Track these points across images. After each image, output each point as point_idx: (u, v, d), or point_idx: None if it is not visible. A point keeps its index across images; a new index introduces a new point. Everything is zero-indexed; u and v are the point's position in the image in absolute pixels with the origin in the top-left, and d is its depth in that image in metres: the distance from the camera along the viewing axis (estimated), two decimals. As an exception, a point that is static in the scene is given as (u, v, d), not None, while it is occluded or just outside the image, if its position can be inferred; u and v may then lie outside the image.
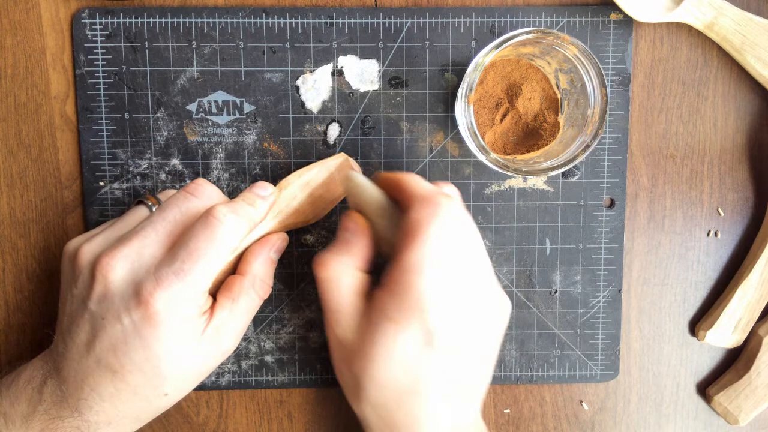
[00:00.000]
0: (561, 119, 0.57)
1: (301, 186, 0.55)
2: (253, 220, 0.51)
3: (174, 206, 0.50)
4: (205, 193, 0.51)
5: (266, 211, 0.53)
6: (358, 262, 0.51)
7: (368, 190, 0.52)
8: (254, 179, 0.59)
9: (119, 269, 0.48)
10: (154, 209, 0.53)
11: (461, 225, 0.49)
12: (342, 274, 0.51)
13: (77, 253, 0.50)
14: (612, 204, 0.60)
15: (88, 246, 0.50)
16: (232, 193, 0.59)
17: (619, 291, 0.61)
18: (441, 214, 0.48)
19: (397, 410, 0.49)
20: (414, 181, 0.51)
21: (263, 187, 0.53)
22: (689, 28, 0.60)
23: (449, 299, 0.48)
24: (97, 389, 0.49)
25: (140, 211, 0.53)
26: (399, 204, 0.51)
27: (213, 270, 0.49)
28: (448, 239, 0.48)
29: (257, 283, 0.52)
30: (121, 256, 0.48)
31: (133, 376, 0.48)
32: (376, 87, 0.59)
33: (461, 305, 0.48)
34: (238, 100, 0.58)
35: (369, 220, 0.52)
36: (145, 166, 0.59)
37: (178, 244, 0.48)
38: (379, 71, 0.59)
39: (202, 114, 0.58)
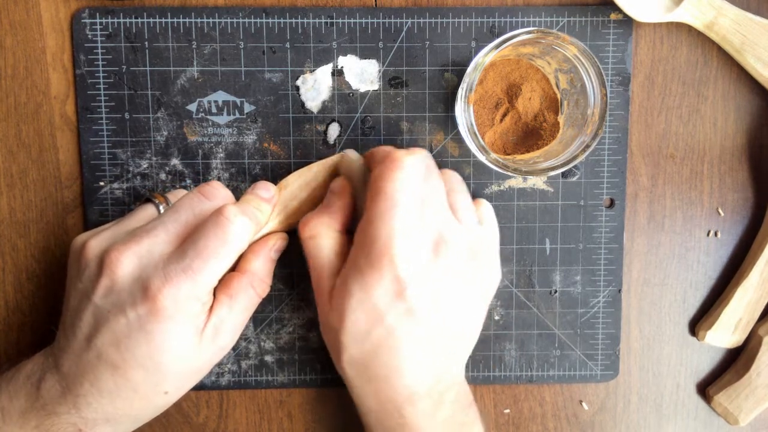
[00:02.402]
0: (561, 119, 0.57)
1: (301, 186, 0.55)
2: (260, 223, 0.52)
3: (187, 207, 0.51)
4: (218, 195, 0.52)
5: (270, 212, 0.53)
6: (338, 222, 0.53)
7: (352, 158, 0.55)
8: (254, 179, 0.59)
9: (127, 264, 0.48)
10: (161, 207, 0.54)
11: (421, 175, 0.50)
12: (322, 233, 0.52)
13: (84, 246, 0.50)
14: (612, 204, 0.60)
15: (95, 240, 0.50)
16: (233, 193, 0.59)
17: (619, 291, 0.61)
18: (400, 167, 0.49)
19: (375, 362, 0.49)
20: (381, 147, 0.54)
21: (266, 188, 0.53)
22: (689, 28, 0.60)
23: (417, 248, 0.48)
24: (97, 384, 0.49)
25: (148, 209, 0.54)
26: None
27: (221, 269, 0.49)
28: (407, 190, 0.49)
29: (256, 282, 0.53)
30: (130, 251, 0.48)
31: (134, 372, 0.48)
32: (376, 87, 0.59)
33: (433, 255, 0.49)
34: (238, 100, 0.59)
35: (353, 187, 0.54)
36: (145, 166, 0.59)
37: (187, 242, 0.49)
38: (379, 71, 0.59)
39: (202, 114, 0.58)
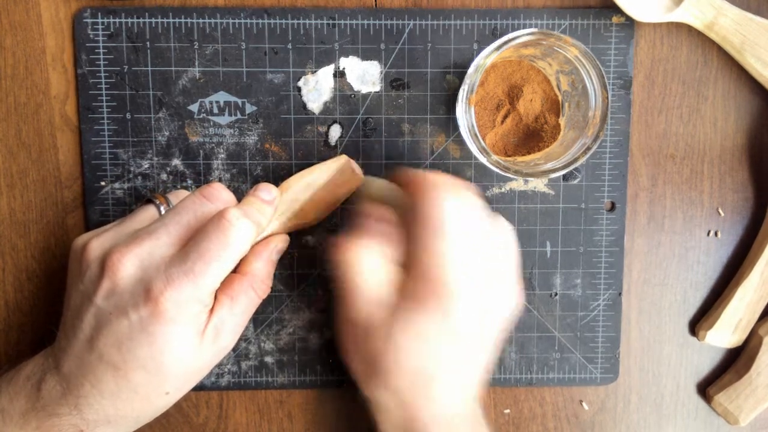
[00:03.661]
0: (562, 121, 0.57)
1: (303, 188, 0.55)
2: (262, 226, 0.52)
3: (189, 209, 0.50)
4: (220, 198, 0.51)
5: (272, 215, 0.53)
6: (386, 250, 0.52)
7: (379, 182, 0.54)
8: (255, 180, 0.59)
9: (129, 266, 0.48)
10: (162, 208, 0.53)
11: (478, 206, 0.51)
12: (367, 259, 0.51)
13: (85, 248, 0.50)
14: (613, 207, 0.60)
15: (96, 241, 0.50)
16: (234, 194, 0.59)
17: (620, 294, 0.61)
18: (456, 197, 0.49)
19: (414, 391, 0.50)
20: (416, 172, 0.52)
21: (267, 191, 0.53)
22: (689, 28, 0.60)
23: (470, 284, 0.49)
24: (98, 386, 0.49)
25: (149, 210, 0.53)
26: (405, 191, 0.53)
27: (223, 272, 0.49)
28: (464, 224, 0.49)
29: (257, 283, 0.53)
30: (132, 254, 0.48)
31: (135, 373, 0.48)
32: (377, 88, 0.59)
33: (479, 290, 0.50)
34: (239, 101, 0.58)
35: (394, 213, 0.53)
36: (146, 166, 0.59)
37: (189, 245, 0.48)
38: (381, 73, 0.59)
39: (204, 114, 0.58)
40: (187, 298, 0.48)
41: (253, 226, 0.50)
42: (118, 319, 0.48)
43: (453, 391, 0.51)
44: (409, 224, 0.50)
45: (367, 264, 0.51)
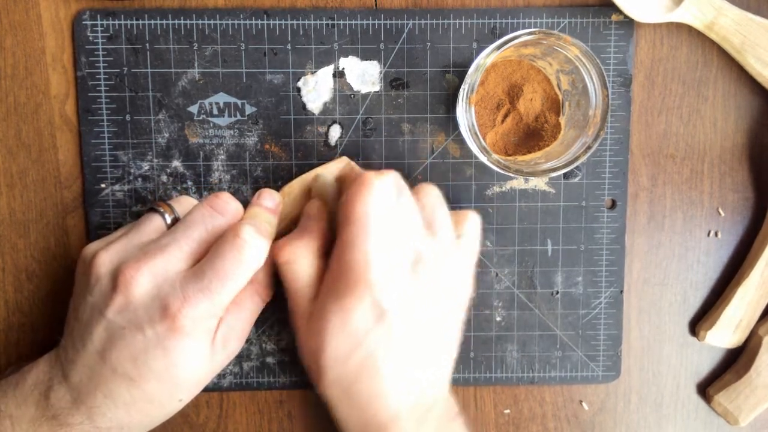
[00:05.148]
0: (562, 120, 0.57)
1: (304, 192, 0.55)
2: (271, 237, 0.52)
3: (199, 223, 0.51)
4: (229, 210, 0.52)
5: (276, 222, 0.54)
6: (314, 246, 0.52)
7: (325, 180, 0.55)
8: (256, 181, 0.59)
9: (143, 282, 0.48)
10: (167, 217, 0.53)
11: (391, 196, 0.50)
12: (299, 257, 0.52)
13: (94, 260, 0.50)
14: (613, 205, 0.60)
15: (106, 254, 0.50)
16: (234, 195, 0.59)
17: (621, 292, 0.61)
18: (369, 189, 0.49)
19: (356, 386, 0.49)
20: (353, 170, 0.54)
21: (271, 198, 0.54)
22: (689, 28, 0.60)
23: (393, 270, 0.49)
24: (111, 396, 0.49)
25: (155, 220, 0.53)
26: None
27: (237, 288, 0.50)
28: (378, 212, 0.49)
29: (261, 289, 0.54)
30: (145, 269, 0.48)
31: (150, 384, 0.49)
32: (377, 88, 0.59)
33: (409, 275, 0.49)
34: (239, 102, 0.58)
35: (328, 209, 0.54)
36: (146, 168, 0.59)
37: (205, 263, 0.49)
38: (381, 73, 0.59)
39: (204, 116, 0.58)
40: (203, 315, 0.49)
41: (267, 242, 0.51)
42: (132, 334, 0.48)
43: (405, 384, 0.50)
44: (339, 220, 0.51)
45: (300, 264, 0.52)
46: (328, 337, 0.49)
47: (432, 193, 0.53)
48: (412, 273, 0.49)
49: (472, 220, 0.55)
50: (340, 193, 0.54)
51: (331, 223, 0.54)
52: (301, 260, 0.52)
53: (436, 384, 0.52)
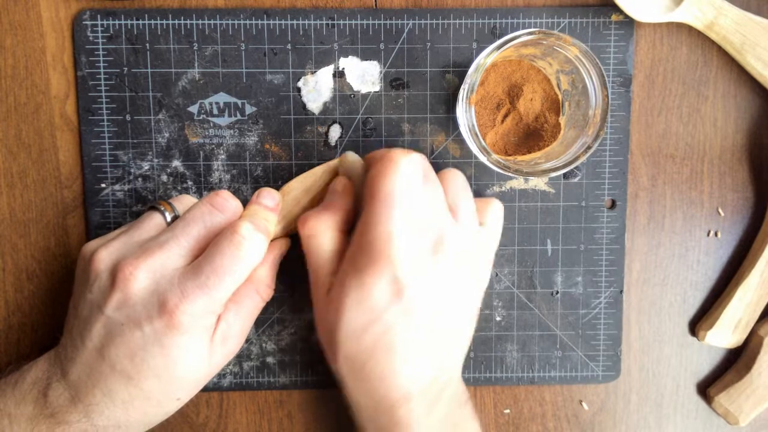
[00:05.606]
0: (562, 120, 0.57)
1: (304, 191, 0.55)
2: (270, 235, 0.53)
3: (198, 220, 0.51)
4: (229, 208, 0.52)
5: (275, 221, 0.54)
6: (338, 221, 0.53)
7: (353, 159, 0.55)
8: (256, 181, 0.59)
9: (142, 279, 0.48)
10: (167, 215, 0.53)
11: (418, 176, 0.50)
12: (322, 232, 0.52)
13: (93, 257, 0.50)
14: (613, 205, 0.60)
15: (105, 252, 0.50)
16: (234, 194, 0.59)
17: (621, 292, 0.61)
18: (397, 167, 0.49)
19: (370, 361, 0.49)
20: (381, 149, 0.54)
21: (270, 197, 0.54)
22: (689, 28, 0.60)
23: (414, 249, 0.49)
24: (110, 395, 0.49)
25: (155, 218, 0.53)
26: None
27: (235, 285, 0.50)
28: (405, 190, 0.49)
29: (261, 288, 0.53)
30: (144, 266, 0.48)
31: (148, 382, 0.49)
32: (377, 88, 0.59)
33: (430, 256, 0.49)
34: (239, 102, 0.58)
35: (354, 186, 0.54)
36: (146, 167, 0.59)
37: (203, 259, 0.49)
38: (380, 72, 0.59)
39: (204, 116, 0.58)
40: (202, 311, 0.49)
41: (266, 239, 0.51)
42: (130, 331, 0.48)
43: (419, 364, 0.50)
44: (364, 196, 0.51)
45: (323, 238, 0.52)
46: (346, 310, 0.49)
47: (458, 179, 0.54)
48: (433, 254, 0.49)
49: (496, 208, 0.55)
50: (367, 172, 0.54)
51: (356, 200, 0.54)
52: (324, 234, 0.52)
53: (449, 367, 0.52)
